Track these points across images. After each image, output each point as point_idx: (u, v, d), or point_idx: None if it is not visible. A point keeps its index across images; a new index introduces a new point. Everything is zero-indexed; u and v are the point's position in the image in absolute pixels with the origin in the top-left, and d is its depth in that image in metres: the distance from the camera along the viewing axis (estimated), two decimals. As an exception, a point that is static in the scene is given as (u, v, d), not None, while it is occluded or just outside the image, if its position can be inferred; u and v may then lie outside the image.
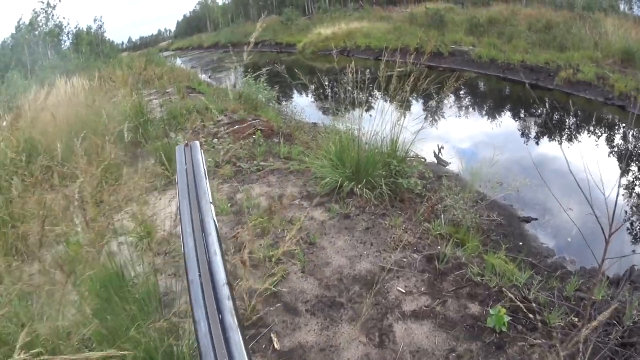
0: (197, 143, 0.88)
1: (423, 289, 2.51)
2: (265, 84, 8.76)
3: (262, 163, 4.30)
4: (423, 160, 5.41)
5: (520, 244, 4.14)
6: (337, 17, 27.33)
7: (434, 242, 2.96)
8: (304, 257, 2.83)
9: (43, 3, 18.19)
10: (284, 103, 11.31)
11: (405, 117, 3.77)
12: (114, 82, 11.16)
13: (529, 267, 3.45)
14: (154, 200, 3.73)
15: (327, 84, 10.70)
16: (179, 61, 29.07)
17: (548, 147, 6.91)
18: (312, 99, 13.38)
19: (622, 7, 15.18)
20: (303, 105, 10.51)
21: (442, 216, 3.25)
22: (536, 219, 4.63)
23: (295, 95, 13.36)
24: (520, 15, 14.67)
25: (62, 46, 19.54)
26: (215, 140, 4.95)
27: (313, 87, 11.49)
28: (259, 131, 5.32)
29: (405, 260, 2.74)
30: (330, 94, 8.98)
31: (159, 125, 6.50)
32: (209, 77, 17.75)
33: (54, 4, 18.47)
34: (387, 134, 3.76)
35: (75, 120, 6.35)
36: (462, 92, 11.17)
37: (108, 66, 16.21)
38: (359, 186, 3.52)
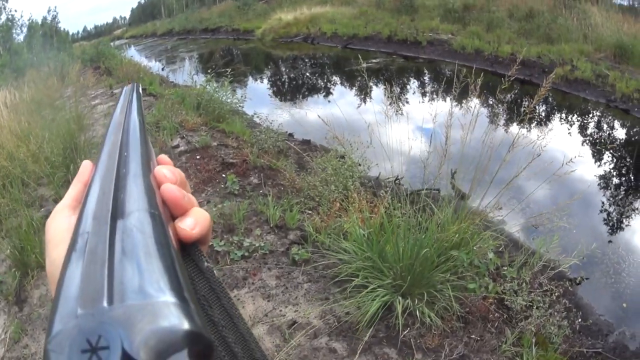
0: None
1: None
2: (229, 88, 7.48)
3: (247, 241, 2.89)
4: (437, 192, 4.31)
5: (580, 320, 3.23)
6: (297, 1, 25.61)
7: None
8: None
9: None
10: (244, 95, 10.04)
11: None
12: (49, 89, 9.56)
13: None
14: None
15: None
16: (132, 50, 26.58)
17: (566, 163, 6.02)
18: (269, 89, 12.22)
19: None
20: (265, 100, 9.51)
21: (534, 345, 2.12)
22: (587, 278, 3.71)
23: (256, 88, 12.05)
24: (499, 1, 13.78)
25: (15, 41, 17.18)
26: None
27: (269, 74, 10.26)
28: (230, 168, 4.06)
29: None
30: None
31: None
32: (162, 69, 16.01)
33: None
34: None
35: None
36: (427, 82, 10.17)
37: (57, 61, 14.18)
38: (418, 304, 2.22)
